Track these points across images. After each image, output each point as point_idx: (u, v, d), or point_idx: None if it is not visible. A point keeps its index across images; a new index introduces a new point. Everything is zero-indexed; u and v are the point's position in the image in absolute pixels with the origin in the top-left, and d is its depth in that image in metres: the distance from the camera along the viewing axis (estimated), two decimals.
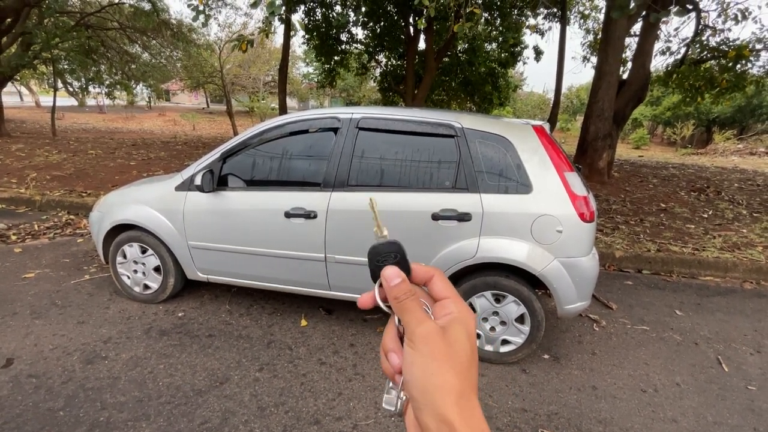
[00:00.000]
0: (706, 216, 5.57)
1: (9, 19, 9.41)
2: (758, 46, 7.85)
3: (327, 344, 2.58)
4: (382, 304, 0.39)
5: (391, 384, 0.39)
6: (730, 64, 8.03)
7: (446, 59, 12.10)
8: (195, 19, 4.71)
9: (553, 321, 2.95)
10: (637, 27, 7.65)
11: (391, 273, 0.38)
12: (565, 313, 2.35)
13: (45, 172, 6.44)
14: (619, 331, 2.90)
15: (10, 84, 13.77)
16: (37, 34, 8.91)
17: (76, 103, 24.37)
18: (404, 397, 0.37)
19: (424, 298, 0.39)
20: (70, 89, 14.25)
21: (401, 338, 0.38)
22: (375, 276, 0.39)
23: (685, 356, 2.63)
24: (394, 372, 0.37)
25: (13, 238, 4.10)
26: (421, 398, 0.33)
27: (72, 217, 4.89)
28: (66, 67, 12.02)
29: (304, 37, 11.31)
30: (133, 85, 15.01)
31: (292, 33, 10.25)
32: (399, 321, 0.38)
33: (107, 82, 13.29)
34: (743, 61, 7.88)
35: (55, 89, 11.91)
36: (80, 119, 19.71)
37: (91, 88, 13.76)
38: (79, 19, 10.92)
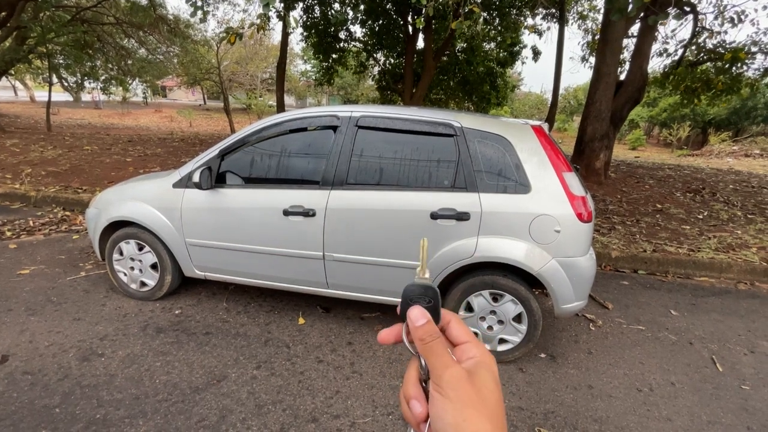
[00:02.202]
0: (701, 217, 5.61)
1: (4, 13, 9.31)
2: (754, 49, 7.90)
3: (325, 342, 2.58)
4: (407, 343, 0.39)
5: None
6: (726, 67, 8.09)
7: (445, 58, 12.10)
8: (193, 14, 4.67)
9: (550, 320, 2.97)
10: (635, 28, 7.68)
11: (417, 314, 0.38)
12: (562, 312, 2.36)
13: (40, 167, 6.39)
14: (615, 331, 2.92)
15: (4, 78, 13.64)
16: (33, 28, 8.83)
17: (71, 98, 24.19)
18: None
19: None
20: (66, 84, 14.12)
21: (422, 383, 0.37)
22: (403, 314, 0.39)
23: (680, 356, 2.65)
24: (417, 421, 0.36)
25: (8, 234, 4.06)
26: None
27: (67, 213, 4.85)
28: (61, 61, 11.91)
29: (302, 34, 11.28)
30: (129, 81, 14.89)
31: (290, 30, 10.20)
32: (422, 365, 0.37)
33: (102, 78, 13.19)
34: (739, 64, 7.93)
35: (50, 84, 11.79)
36: (75, 115, 19.54)
37: (86, 84, 13.64)
38: (75, 14, 10.82)
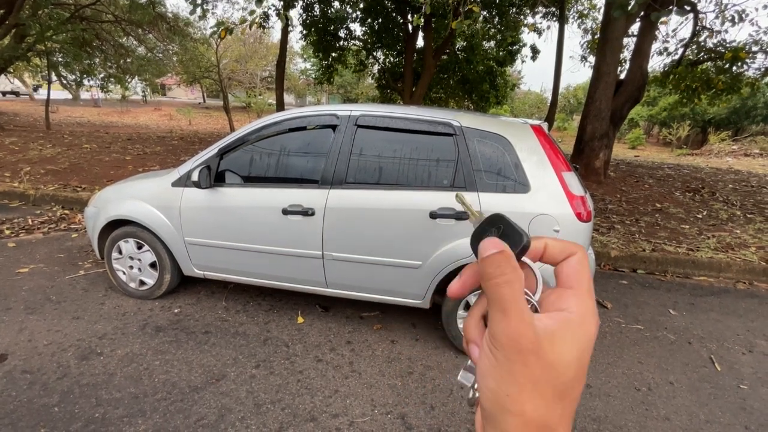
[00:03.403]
0: (700, 216, 5.61)
1: (2, 10, 9.27)
2: (754, 48, 7.90)
3: (324, 341, 2.58)
4: (483, 286, 0.29)
5: (471, 362, 0.31)
6: (727, 66, 8.08)
7: (444, 57, 12.09)
8: (192, 12, 4.65)
9: None
10: (635, 27, 7.67)
11: (488, 243, 0.28)
12: None
13: (39, 166, 6.38)
14: (613, 330, 2.92)
15: (3, 76, 13.59)
16: (31, 26, 8.80)
17: (70, 96, 24.12)
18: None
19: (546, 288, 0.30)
20: (64, 82, 14.08)
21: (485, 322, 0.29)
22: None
23: (679, 355, 2.65)
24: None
25: (7, 232, 4.06)
26: (489, 416, 0.27)
27: (66, 211, 4.84)
28: (60, 59, 11.88)
29: (301, 32, 11.25)
30: (128, 80, 14.87)
31: (290, 28, 10.18)
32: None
33: (101, 76, 13.16)
34: (739, 63, 7.93)
35: (50, 82, 11.76)
36: (74, 113, 19.50)
37: (85, 82, 13.61)
38: (73, 11, 10.79)
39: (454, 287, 0.31)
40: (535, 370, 0.25)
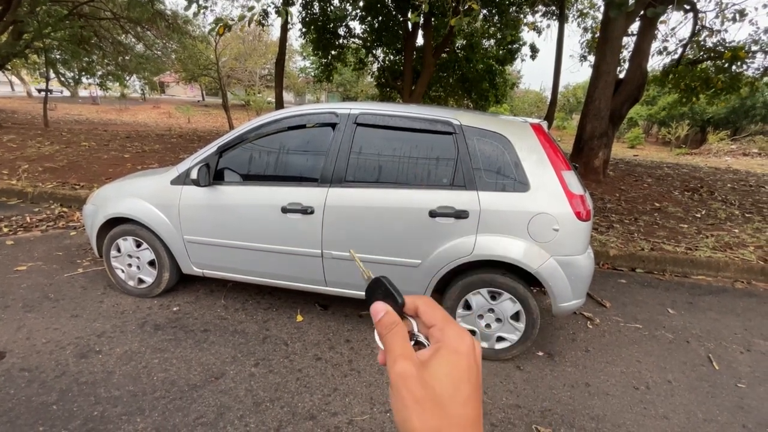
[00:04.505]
0: (699, 216, 5.63)
1: (0, 7, 9.22)
2: (754, 48, 7.90)
3: (323, 340, 2.58)
4: (380, 343, 0.38)
5: None
6: (726, 65, 8.08)
7: (444, 55, 12.07)
8: (188, 8, 4.63)
9: (548, 318, 2.97)
10: (634, 27, 7.67)
11: (376, 308, 0.38)
12: (560, 310, 2.36)
13: (37, 163, 6.35)
14: (612, 329, 2.93)
15: (0, 73, 13.53)
16: (29, 23, 8.76)
17: (68, 93, 24.04)
18: None
19: (423, 329, 0.38)
20: (62, 79, 14.03)
21: None
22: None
23: (677, 354, 2.66)
24: None
25: (5, 230, 4.05)
26: None
27: (65, 209, 4.83)
28: (58, 57, 11.83)
29: (301, 30, 11.22)
30: (127, 77, 14.82)
31: (289, 26, 10.15)
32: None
33: (100, 73, 13.11)
34: (739, 63, 7.93)
35: (47, 79, 11.72)
36: (73, 110, 19.44)
37: (83, 79, 13.56)
38: (72, 8, 10.73)
39: (380, 358, 0.39)
40: (417, 392, 0.32)
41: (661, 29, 9.19)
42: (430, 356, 0.34)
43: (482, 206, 2.28)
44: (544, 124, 2.50)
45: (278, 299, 3.07)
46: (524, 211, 2.25)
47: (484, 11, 9.65)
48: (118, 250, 2.94)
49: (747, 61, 7.96)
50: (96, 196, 3.08)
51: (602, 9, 8.11)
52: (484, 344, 2.48)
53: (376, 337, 0.38)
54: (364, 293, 0.41)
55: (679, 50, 8.91)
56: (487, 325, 2.45)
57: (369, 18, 11.10)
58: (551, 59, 11.24)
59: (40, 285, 3.04)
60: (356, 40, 12.19)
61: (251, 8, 4.14)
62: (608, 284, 3.69)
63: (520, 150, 2.31)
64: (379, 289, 0.40)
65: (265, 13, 7.32)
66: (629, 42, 8.86)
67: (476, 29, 10.98)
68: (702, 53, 8.56)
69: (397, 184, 2.42)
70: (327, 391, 2.12)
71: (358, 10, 10.79)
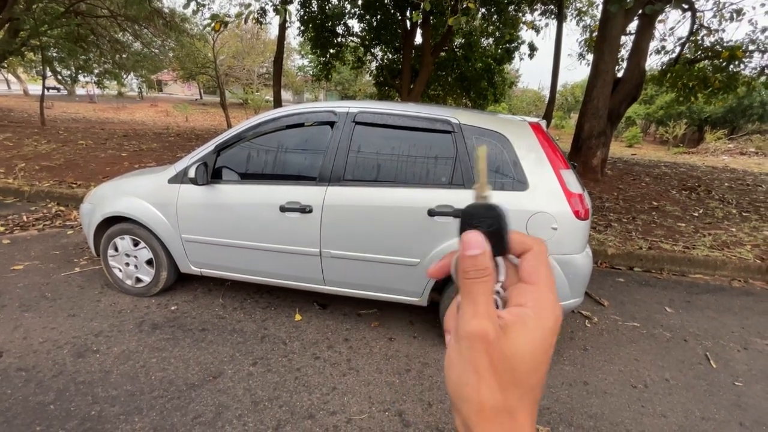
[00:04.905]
0: (696, 215, 5.64)
1: None
2: (751, 47, 7.92)
3: (321, 339, 2.58)
4: (455, 276, 0.31)
5: None
6: (724, 65, 8.10)
7: (443, 54, 12.06)
8: (186, 6, 4.61)
9: None
10: (633, 26, 7.67)
11: (472, 240, 0.30)
12: None
13: (34, 162, 6.32)
14: (610, 328, 2.94)
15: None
16: (25, 20, 8.70)
17: (65, 91, 23.92)
18: None
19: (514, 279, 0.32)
20: (59, 77, 13.96)
21: None
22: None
23: (675, 353, 2.67)
24: None
25: (1, 229, 4.02)
26: (453, 401, 0.29)
27: (62, 208, 4.81)
28: (55, 54, 11.76)
29: (299, 29, 11.19)
30: (124, 75, 14.75)
31: (287, 24, 10.12)
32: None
33: (97, 71, 13.04)
34: (736, 62, 7.95)
35: (44, 77, 11.65)
36: (70, 109, 19.33)
37: (80, 77, 13.50)
38: (68, 6, 10.67)
39: (433, 268, 0.34)
40: (493, 360, 0.28)
41: (660, 28, 9.21)
42: (513, 322, 0.29)
43: None
44: (543, 123, 2.50)
45: (277, 298, 3.06)
46: (523, 209, 2.25)
47: (483, 10, 9.63)
48: (116, 249, 2.93)
49: (744, 60, 7.97)
50: (93, 194, 3.07)
51: (600, 8, 8.11)
52: None
53: (452, 268, 0.32)
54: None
55: (677, 49, 8.92)
56: None
57: (367, 16, 11.08)
58: (550, 58, 11.25)
59: (37, 284, 3.02)
60: (355, 39, 12.16)
61: (248, 5, 4.12)
62: (606, 283, 3.70)
63: (519, 149, 2.31)
64: (489, 219, 0.31)
65: (263, 11, 7.30)
66: (627, 41, 8.87)
67: (475, 28, 10.98)
68: (700, 52, 8.58)
69: (396, 183, 2.41)
70: (325, 390, 2.12)
71: (357, 9, 10.76)
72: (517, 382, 0.28)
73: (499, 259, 0.32)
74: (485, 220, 0.31)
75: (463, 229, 0.31)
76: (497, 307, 0.31)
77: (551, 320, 0.30)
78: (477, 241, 0.30)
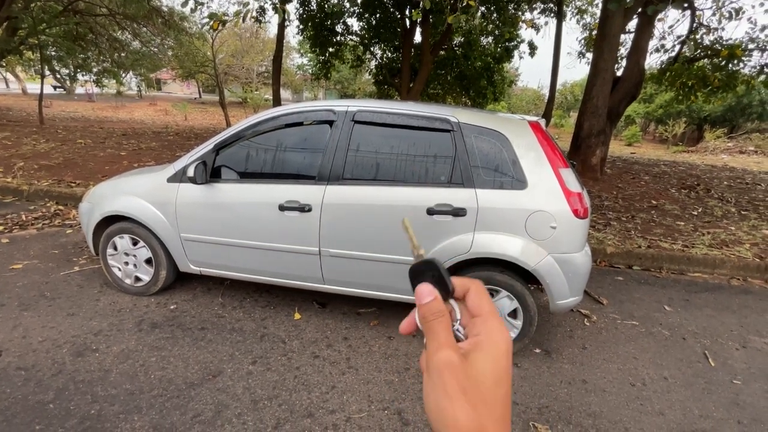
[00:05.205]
0: (695, 213, 5.65)
1: None
2: (751, 46, 7.91)
3: (320, 338, 2.58)
4: (420, 324, 0.37)
5: None
6: (723, 63, 8.09)
7: (442, 53, 12.03)
8: (184, 4, 4.59)
9: (545, 316, 2.98)
10: (632, 24, 7.67)
11: (424, 291, 0.37)
12: (557, 308, 2.37)
13: (32, 161, 6.31)
14: (609, 326, 2.94)
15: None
16: (24, 19, 8.68)
17: (64, 90, 23.87)
18: None
19: (466, 315, 0.37)
20: (58, 76, 13.93)
21: None
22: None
23: (673, 351, 2.67)
24: None
25: (0, 228, 4.02)
26: (434, 428, 0.32)
27: (61, 207, 4.80)
28: (53, 53, 11.73)
29: (298, 27, 11.16)
30: (122, 74, 14.73)
31: (286, 23, 10.10)
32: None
33: (95, 70, 13.01)
34: (735, 61, 7.94)
35: (43, 76, 11.62)
36: (68, 107, 19.27)
37: (79, 76, 13.47)
38: (67, 4, 10.64)
39: (402, 326, 0.39)
40: (460, 382, 0.32)
41: (659, 27, 9.21)
42: (471, 349, 0.34)
43: (480, 204, 2.28)
44: (542, 122, 2.50)
45: (276, 297, 3.06)
46: (522, 208, 2.25)
47: (482, 8, 9.62)
48: (115, 248, 2.93)
49: (744, 59, 7.96)
50: (92, 193, 3.06)
51: (600, 6, 8.10)
52: None
53: (416, 318, 0.37)
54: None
55: (677, 48, 8.92)
56: None
57: (367, 15, 11.06)
58: (549, 57, 11.24)
59: (36, 283, 3.02)
60: (354, 37, 12.13)
61: (246, 4, 4.11)
62: (605, 281, 3.70)
63: (518, 147, 2.31)
64: (430, 271, 0.37)
65: (262, 10, 7.27)
66: (627, 39, 8.86)
67: (474, 26, 10.95)
68: (699, 51, 8.57)
69: (395, 182, 2.41)
70: (325, 389, 2.13)
71: (356, 7, 10.74)
72: (484, 398, 0.32)
73: (453, 302, 0.38)
74: (428, 272, 0.38)
75: (414, 285, 0.38)
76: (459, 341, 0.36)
77: (502, 341, 0.35)
78: (427, 290, 0.37)
